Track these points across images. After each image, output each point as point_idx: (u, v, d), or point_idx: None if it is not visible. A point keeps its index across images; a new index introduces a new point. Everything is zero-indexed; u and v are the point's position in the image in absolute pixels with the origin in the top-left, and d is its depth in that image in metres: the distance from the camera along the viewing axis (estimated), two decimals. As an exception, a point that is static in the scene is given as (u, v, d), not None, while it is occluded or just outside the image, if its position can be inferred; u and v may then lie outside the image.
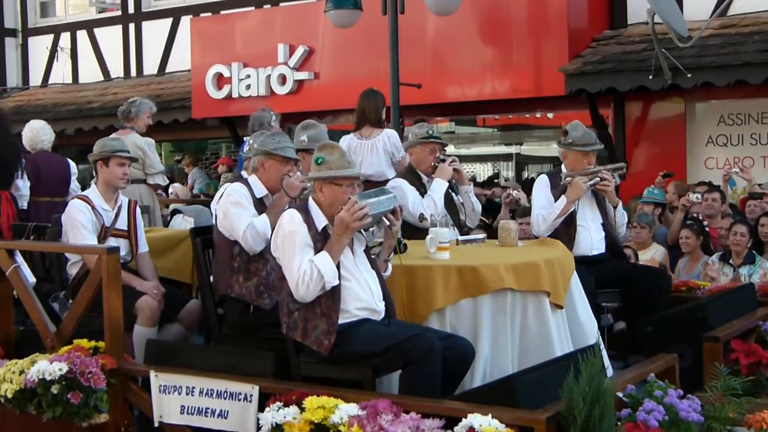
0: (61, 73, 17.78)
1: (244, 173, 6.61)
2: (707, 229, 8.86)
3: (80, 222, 6.40)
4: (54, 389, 5.18)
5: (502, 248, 6.25)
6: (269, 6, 15.17)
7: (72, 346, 5.46)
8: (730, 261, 8.21)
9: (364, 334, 4.97)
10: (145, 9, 16.86)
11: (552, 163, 19.35)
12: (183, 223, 8.31)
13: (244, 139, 8.78)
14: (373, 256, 5.31)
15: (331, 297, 4.99)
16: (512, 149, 17.38)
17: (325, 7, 10.92)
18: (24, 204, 8.48)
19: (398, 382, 4.98)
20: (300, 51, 13.66)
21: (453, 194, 7.15)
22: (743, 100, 11.53)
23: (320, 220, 5.11)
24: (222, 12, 15.50)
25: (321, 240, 5.06)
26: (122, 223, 6.63)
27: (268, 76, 13.91)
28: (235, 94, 14.21)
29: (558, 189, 6.95)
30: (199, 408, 5.06)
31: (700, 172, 11.69)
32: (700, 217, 9.01)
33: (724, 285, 7.44)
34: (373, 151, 8.02)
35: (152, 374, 5.24)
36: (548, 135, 17.37)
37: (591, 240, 6.93)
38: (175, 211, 8.85)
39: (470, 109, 13.45)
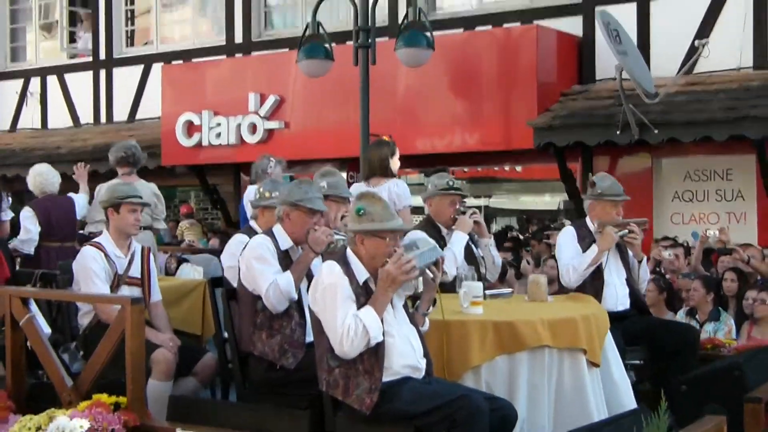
0: (30, 118, 17.70)
1: (253, 223, 6.54)
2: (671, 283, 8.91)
3: (93, 270, 6.22)
4: None
5: (533, 303, 6.13)
6: (241, 55, 15.22)
7: (92, 402, 5.21)
8: (696, 317, 8.25)
9: (407, 392, 4.76)
10: (116, 55, 16.85)
11: (518, 216, 19.53)
12: (192, 272, 8.17)
13: (249, 187, 8.77)
14: (411, 311, 5.11)
15: (375, 354, 4.76)
16: (481, 201, 17.49)
17: (297, 57, 10.97)
18: (31, 250, 8.43)
19: None
20: (271, 100, 13.69)
21: (473, 247, 6.97)
22: (709, 156, 11.67)
23: (361, 273, 4.90)
24: (193, 60, 15.52)
25: (363, 294, 4.85)
26: (135, 271, 6.46)
27: (239, 125, 13.92)
28: (205, 142, 14.20)
29: (585, 241, 6.84)
30: None
31: (666, 226, 11.79)
32: (664, 271, 9.07)
33: (751, 343, 7.36)
34: None
35: (178, 431, 5.07)
36: (516, 188, 17.53)
37: (617, 295, 6.82)
38: (182, 260, 8.76)
39: (440, 161, 13.47)
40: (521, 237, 15.02)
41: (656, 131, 10.57)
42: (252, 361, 5.61)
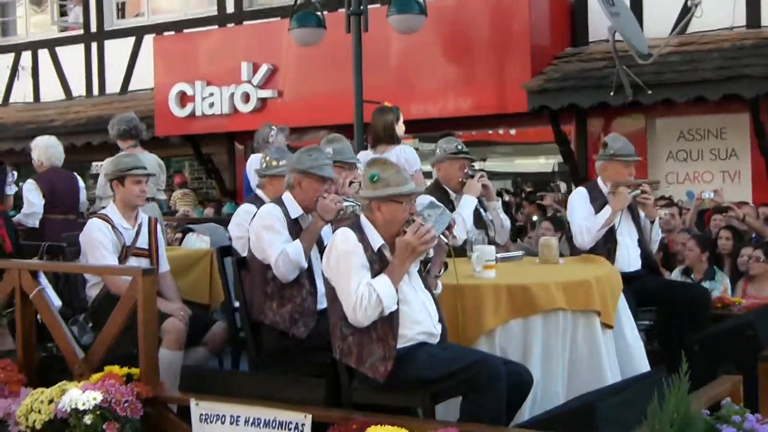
0: (22, 91, 17.66)
1: (259, 192, 6.45)
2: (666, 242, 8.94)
3: (100, 242, 6.14)
4: (87, 419, 4.86)
5: (545, 265, 6.07)
6: (233, 25, 15.18)
7: (104, 374, 5.12)
8: (692, 276, 8.29)
9: (423, 358, 4.67)
10: (107, 28, 16.80)
11: (514, 179, 19.55)
12: (198, 242, 8.07)
13: (252, 156, 8.70)
14: (423, 274, 4.99)
15: (389, 321, 4.68)
16: (476, 165, 17.45)
17: (289, 25, 10.95)
18: (36, 222, 8.36)
19: (459, 409, 4.66)
20: (263, 69, 13.68)
21: (482, 211, 6.87)
22: (702, 116, 11.68)
23: (376, 240, 4.79)
24: (185, 31, 15.48)
25: (377, 261, 4.76)
26: (143, 242, 6.38)
27: (232, 95, 13.91)
28: (198, 113, 14.20)
29: (597, 202, 6.75)
30: None
31: (661, 186, 11.79)
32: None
33: (749, 300, 7.33)
34: None
35: (192, 402, 4.93)
36: (511, 151, 17.49)
37: (629, 256, 6.73)
38: (187, 230, 8.65)
39: (434, 126, 13.49)
40: (514, 199, 15.02)
41: (650, 92, 10.58)
42: (263, 330, 5.55)
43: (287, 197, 5.64)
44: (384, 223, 4.80)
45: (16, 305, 5.72)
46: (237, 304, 6.10)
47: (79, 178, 9.03)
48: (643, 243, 6.87)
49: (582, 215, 6.77)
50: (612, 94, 10.75)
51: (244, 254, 5.89)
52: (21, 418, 5.13)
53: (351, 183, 6.19)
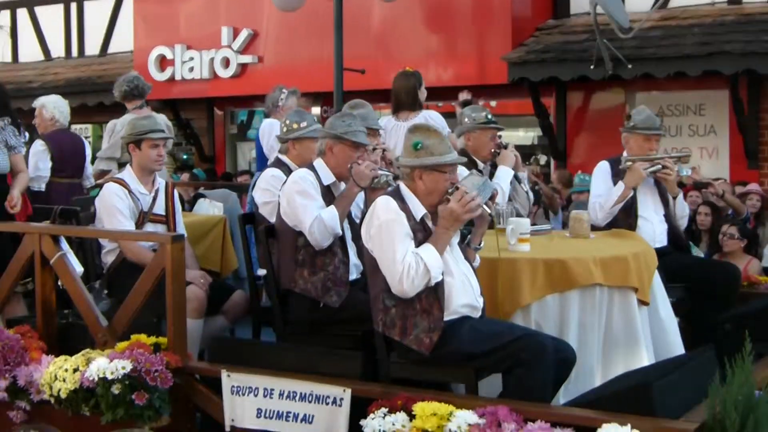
0: (1, 51, 17.48)
1: (283, 156, 6.24)
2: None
3: (117, 208, 5.98)
4: (115, 389, 4.73)
5: (577, 239, 5.93)
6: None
7: (131, 342, 5.00)
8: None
9: (467, 332, 4.54)
10: (87, -12, 16.64)
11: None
12: (210, 208, 7.83)
13: (265, 121, 8.46)
14: (462, 246, 4.87)
15: (434, 292, 4.55)
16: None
17: (270, -10, 10.89)
18: (42, 186, 8.10)
19: (503, 385, 4.59)
20: (244, 34, 13.59)
21: (515, 182, 6.64)
22: (682, 91, 11.69)
23: (418, 209, 4.65)
24: (166, -7, 15.34)
25: (420, 230, 4.62)
26: (160, 208, 6.23)
27: (212, 59, 13.82)
28: (177, 77, 14.10)
29: (619, 177, 6.60)
30: (278, 412, 4.63)
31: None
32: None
33: None
34: None
35: (224, 374, 4.80)
36: (491, 122, 17.45)
37: (654, 232, 6.55)
38: (198, 195, 8.42)
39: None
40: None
41: (630, 66, 10.57)
42: (292, 299, 5.43)
43: (319, 163, 5.51)
44: (425, 193, 4.66)
45: (35, 270, 5.58)
46: (260, 272, 5.99)
47: (85, 140, 8.77)
48: (669, 218, 6.72)
49: (597, 191, 6.67)
50: (592, 67, 10.73)
51: (273, 220, 5.76)
52: (45, 387, 5.03)
53: (374, 149, 6.03)
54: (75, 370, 4.92)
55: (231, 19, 13.78)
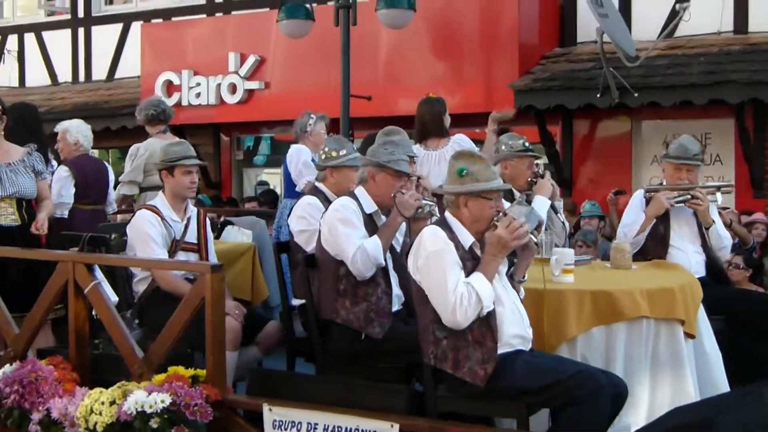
0: (8, 76, 17.53)
1: (320, 185, 6.12)
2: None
3: (149, 235, 5.88)
4: (154, 423, 4.64)
5: (619, 270, 5.85)
6: (221, 14, 15.12)
7: (169, 375, 4.86)
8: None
9: (521, 366, 4.44)
10: (95, 14, 16.68)
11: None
12: (238, 235, 7.72)
13: (293, 147, 8.24)
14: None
15: (486, 322, 4.45)
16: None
17: (278, 16, 10.93)
18: (65, 213, 7.96)
19: (553, 421, 4.55)
20: (251, 60, 13.62)
21: (552, 211, 6.59)
22: (688, 120, 11.68)
23: (466, 238, 4.58)
24: (173, 19, 15.41)
25: (469, 259, 4.53)
26: (192, 236, 6.13)
27: (219, 85, 13.85)
28: (184, 102, 14.12)
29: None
30: None
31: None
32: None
33: None
34: (442, 161, 7.28)
35: (265, 408, 4.71)
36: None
37: (689, 263, 6.40)
38: (226, 222, 8.35)
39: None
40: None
41: (636, 95, 10.60)
42: (333, 330, 5.33)
43: (360, 191, 5.43)
44: (471, 220, 4.60)
45: (68, 300, 5.47)
46: (295, 302, 5.89)
47: (109, 166, 8.66)
48: (707, 249, 6.59)
49: (626, 220, 6.61)
50: (598, 95, 10.75)
51: (309, 249, 5.71)
52: (80, 420, 4.93)
53: (414, 177, 5.98)
54: (112, 403, 4.83)
55: (238, 45, 13.81)
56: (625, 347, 4.96)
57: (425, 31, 12.29)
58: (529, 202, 6.42)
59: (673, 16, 11.27)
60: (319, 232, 5.42)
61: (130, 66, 15.56)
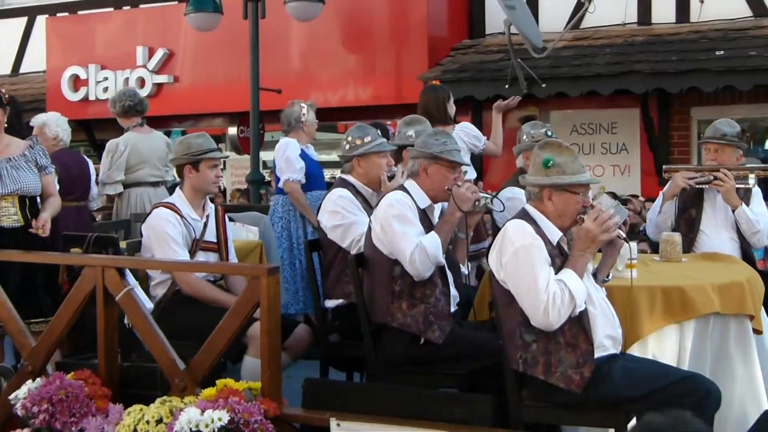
0: None
1: (347, 176, 5.78)
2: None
3: (169, 235, 5.46)
4: None
5: (671, 263, 5.55)
6: (129, 7, 14.92)
7: (220, 389, 4.42)
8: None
9: (620, 372, 4.16)
10: (-2, 7, 16.39)
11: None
12: (244, 232, 7.25)
13: (283, 140, 7.77)
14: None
15: (578, 322, 4.14)
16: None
17: (186, 9, 10.83)
18: None
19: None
20: (159, 54, 13.48)
21: None
22: (595, 110, 11.90)
23: (553, 233, 4.27)
24: (79, 12, 15.17)
25: (558, 255, 4.24)
26: (211, 235, 5.71)
27: (126, 79, 13.67)
28: (92, 97, 13.93)
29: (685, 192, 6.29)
30: None
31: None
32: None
33: None
34: None
35: (333, 423, 4.26)
36: (409, 142, 17.57)
37: (722, 250, 6.09)
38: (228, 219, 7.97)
39: (332, 115, 13.50)
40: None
41: (544, 85, 10.74)
42: (387, 335, 4.93)
43: (411, 185, 5.03)
44: (555, 215, 4.29)
45: (97, 309, 4.95)
46: (329, 304, 5.62)
47: (89, 161, 8.23)
48: (741, 236, 6.27)
49: (654, 206, 6.46)
50: (507, 86, 10.84)
51: (344, 244, 5.49)
52: None
53: None
54: (158, 422, 4.41)
55: (146, 38, 13.67)
56: (694, 346, 4.71)
57: (335, 23, 12.31)
58: None
59: (579, 7, 11.43)
60: (369, 228, 5.05)
61: (36, 60, 15.30)
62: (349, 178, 5.77)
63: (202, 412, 4.26)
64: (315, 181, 7.79)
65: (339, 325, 5.62)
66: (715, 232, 6.28)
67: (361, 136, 5.72)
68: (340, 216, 5.58)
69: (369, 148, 5.69)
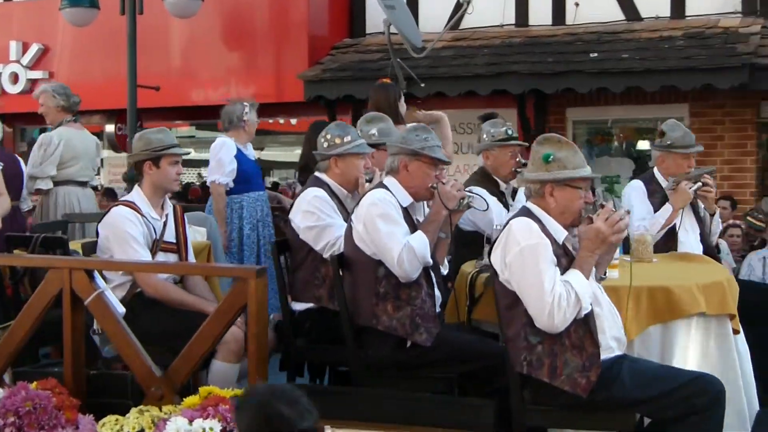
0: None
1: (322, 175, 5.52)
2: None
3: (131, 235, 5.18)
4: None
5: (642, 264, 5.39)
6: (2, 1, 14.56)
7: (208, 396, 4.16)
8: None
9: (629, 374, 4.07)
10: None
11: (294, 168, 19.66)
12: (193, 233, 6.73)
13: (220, 140, 7.59)
14: None
15: (583, 324, 4.04)
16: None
17: (61, 4, 10.63)
18: None
19: None
20: (34, 49, 13.21)
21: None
22: (473, 110, 12.02)
23: (558, 231, 4.16)
24: (-50, 5, 14.75)
25: (563, 255, 4.12)
26: (170, 235, 5.45)
27: (-1, 74, 13.37)
28: (-37, 92, 13.58)
29: (656, 196, 6.24)
30: None
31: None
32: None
33: None
34: None
35: (328, 430, 3.91)
36: (291, 140, 17.57)
37: (692, 250, 6.09)
38: None
39: (213, 113, 13.41)
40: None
41: (423, 85, 10.80)
42: (371, 338, 4.77)
43: (392, 182, 4.87)
44: (557, 212, 4.19)
45: (64, 314, 4.65)
46: (296, 307, 5.38)
47: (20, 159, 7.82)
48: (705, 238, 6.35)
49: (640, 214, 6.20)
50: (387, 86, 10.95)
51: (318, 247, 5.26)
52: None
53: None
54: None
55: (21, 33, 13.37)
56: (680, 346, 4.64)
57: (216, 21, 12.25)
58: (513, 193, 6.21)
59: (458, 8, 11.58)
60: (350, 228, 4.86)
61: None
62: (325, 177, 5.52)
63: (191, 421, 4.00)
64: (254, 181, 7.68)
65: (308, 329, 5.35)
66: (687, 236, 6.26)
67: (341, 135, 5.47)
68: (314, 217, 5.33)
69: (348, 148, 5.44)
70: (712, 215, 6.39)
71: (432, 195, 4.84)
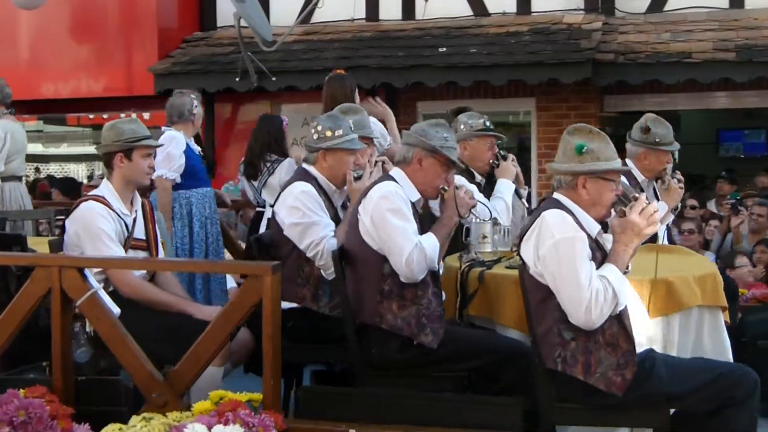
0: None
1: (309, 168, 5.30)
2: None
3: (104, 231, 4.93)
4: None
5: (667, 255, 5.17)
6: None
7: (224, 401, 3.96)
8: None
9: (663, 369, 3.97)
10: None
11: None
12: None
13: (169, 133, 7.16)
14: None
15: (617, 321, 3.93)
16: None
17: None
18: None
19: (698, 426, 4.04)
20: None
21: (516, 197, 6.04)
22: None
23: (591, 225, 4.03)
24: None
25: (597, 249, 4.00)
26: (140, 231, 5.19)
27: None
28: None
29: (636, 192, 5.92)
30: None
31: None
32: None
33: None
34: None
35: None
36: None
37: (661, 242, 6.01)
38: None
39: (62, 107, 13.25)
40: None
41: (274, 79, 10.94)
42: (375, 337, 4.56)
43: (400, 175, 4.66)
44: (589, 204, 4.06)
45: (52, 315, 4.36)
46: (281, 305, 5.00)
47: None
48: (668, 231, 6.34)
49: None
50: (238, 79, 11.01)
51: (302, 244, 5.08)
52: None
53: (376, 163, 5.40)
54: None
55: None
56: (678, 338, 4.56)
57: (65, 13, 12.11)
58: (492, 185, 6.07)
59: (309, 2, 11.72)
60: (358, 221, 4.63)
61: None
62: (312, 170, 5.31)
63: (209, 428, 3.79)
64: (201, 176, 7.40)
65: (291, 329, 4.91)
66: (661, 231, 6.19)
67: (333, 128, 5.27)
68: (300, 213, 5.14)
69: (339, 143, 5.25)
70: (674, 212, 6.28)
71: (437, 195, 4.74)
